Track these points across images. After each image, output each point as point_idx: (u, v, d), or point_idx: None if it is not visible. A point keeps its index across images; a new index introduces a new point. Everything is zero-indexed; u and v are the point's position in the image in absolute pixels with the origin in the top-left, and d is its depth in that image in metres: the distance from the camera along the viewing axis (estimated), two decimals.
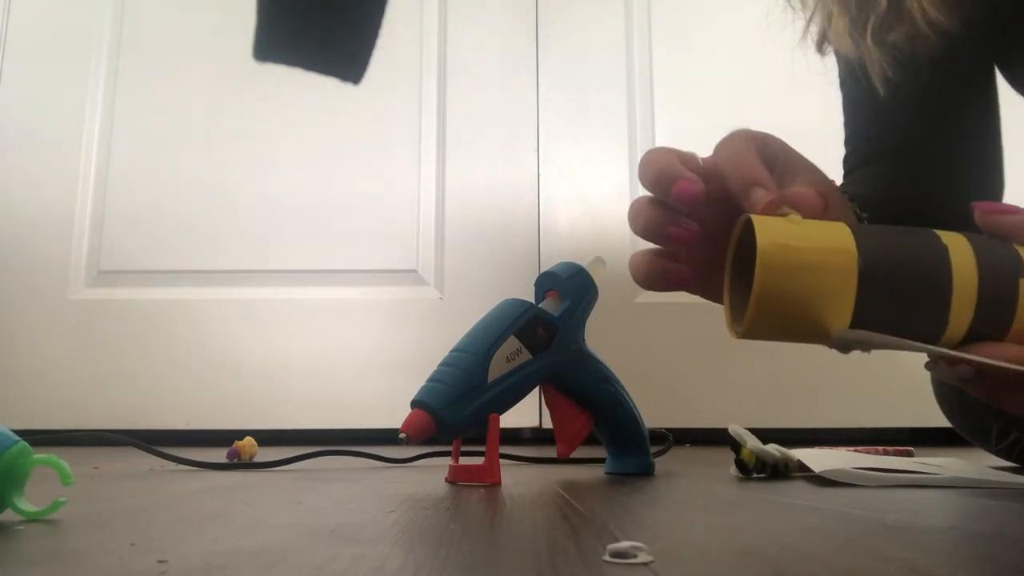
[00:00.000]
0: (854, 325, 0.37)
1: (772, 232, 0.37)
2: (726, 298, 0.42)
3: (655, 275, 0.42)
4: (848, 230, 0.38)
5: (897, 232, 0.39)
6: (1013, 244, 0.39)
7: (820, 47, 0.66)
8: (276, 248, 1.38)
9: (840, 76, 0.69)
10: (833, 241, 0.37)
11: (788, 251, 0.36)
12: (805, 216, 0.38)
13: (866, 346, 0.37)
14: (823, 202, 0.39)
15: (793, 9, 0.66)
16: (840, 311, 0.36)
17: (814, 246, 0.36)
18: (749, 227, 0.38)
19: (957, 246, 0.38)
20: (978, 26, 0.57)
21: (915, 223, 0.41)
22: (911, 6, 0.57)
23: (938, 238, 0.38)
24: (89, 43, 1.43)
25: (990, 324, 0.37)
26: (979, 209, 0.39)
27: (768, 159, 0.43)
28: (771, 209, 0.38)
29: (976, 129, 0.67)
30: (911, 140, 0.66)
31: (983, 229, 0.40)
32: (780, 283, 0.36)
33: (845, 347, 0.37)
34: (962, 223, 0.41)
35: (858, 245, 0.37)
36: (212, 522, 0.37)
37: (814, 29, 0.65)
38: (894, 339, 0.36)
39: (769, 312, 0.37)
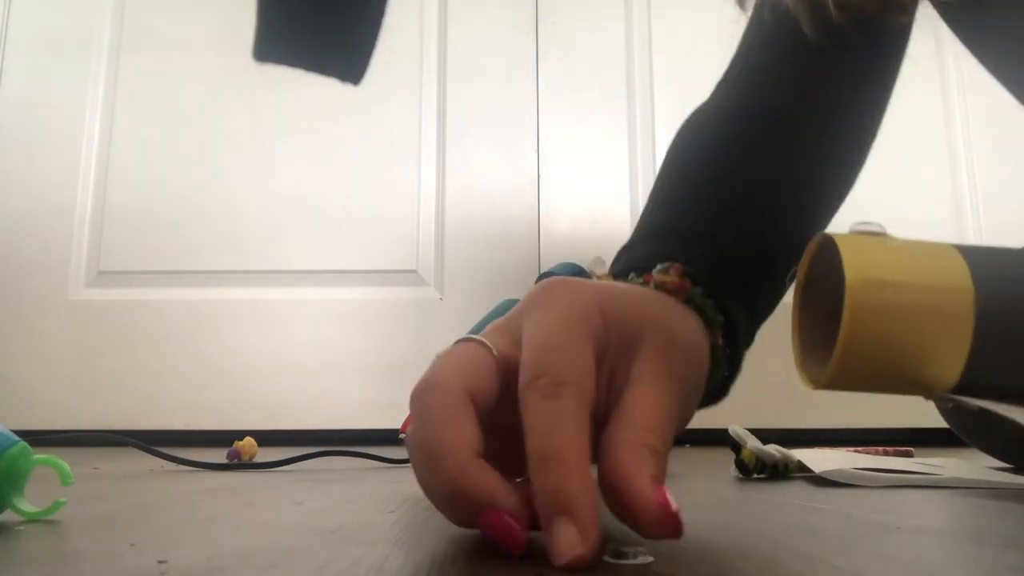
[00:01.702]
0: (966, 376, 0.30)
1: (863, 262, 0.29)
2: (795, 337, 0.34)
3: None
4: (959, 256, 0.30)
5: (1014, 258, 0.31)
6: None
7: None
8: (276, 248, 1.38)
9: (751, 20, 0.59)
10: (944, 275, 0.29)
11: (885, 288, 0.29)
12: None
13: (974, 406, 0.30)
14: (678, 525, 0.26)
15: None
16: (950, 362, 0.29)
17: (919, 281, 0.29)
18: (830, 248, 0.30)
19: None
20: None
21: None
22: None
23: None
24: (89, 44, 1.43)
25: None
26: None
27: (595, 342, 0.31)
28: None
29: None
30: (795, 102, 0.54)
31: None
32: (874, 328, 0.29)
33: (945, 403, 0.31)
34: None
35: (974, 279, 0.29)
36: (212, 522, 0.37)
37: None
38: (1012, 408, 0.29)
39: (858, 361, 0.30)
